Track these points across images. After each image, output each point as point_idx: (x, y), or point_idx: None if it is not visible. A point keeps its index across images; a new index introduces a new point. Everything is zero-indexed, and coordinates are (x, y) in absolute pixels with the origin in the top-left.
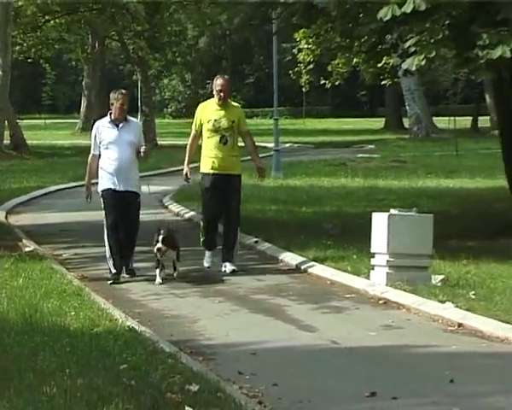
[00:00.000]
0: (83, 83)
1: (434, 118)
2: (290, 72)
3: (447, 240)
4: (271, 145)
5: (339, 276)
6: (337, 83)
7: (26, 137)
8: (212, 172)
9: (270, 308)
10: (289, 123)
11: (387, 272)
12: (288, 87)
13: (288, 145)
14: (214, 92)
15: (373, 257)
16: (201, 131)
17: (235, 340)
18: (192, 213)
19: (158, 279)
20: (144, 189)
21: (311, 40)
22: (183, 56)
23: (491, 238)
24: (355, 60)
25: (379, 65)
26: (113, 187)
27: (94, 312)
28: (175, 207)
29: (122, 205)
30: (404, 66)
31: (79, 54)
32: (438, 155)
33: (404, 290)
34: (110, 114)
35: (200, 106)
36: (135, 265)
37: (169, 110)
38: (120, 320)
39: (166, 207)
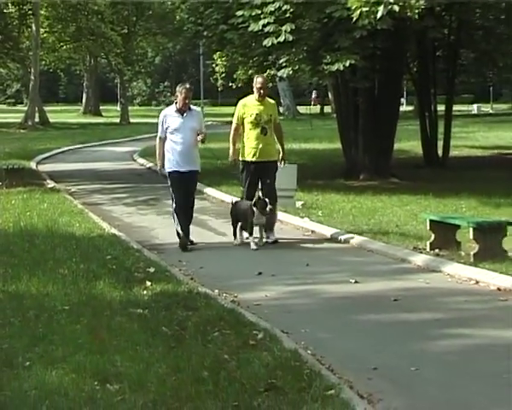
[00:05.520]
0: (84, 84)
1: (298, 107)
2: (211, 78)
3: (305, 180)
4: None
5: None
6: (239, 85)
7: (49, 117)
8: (254, 159)
9: (198, 221)
10: (210, 109)
11: None
12: (209, 88)
13: (209, 123)
14: (254, 89)
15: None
16: (242, 124)
17: (177, 241)
18: (151, 164)
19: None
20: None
21: (223, 58)
22: (145, 68)
23: (331, 179)
24: (250, 71)
25: (265, 74)
26: (178, 169)
27: (90, 224)
28: (141, 160)
29: (185, 183)
30: (279, 74)
31: (81, 66)
32: (300, 129)
33: (280, 211)
34: (175, 103)
35: (241, 102)
36: None
37: (136, 101)
38: (107, 229)
39: (135, 160)
